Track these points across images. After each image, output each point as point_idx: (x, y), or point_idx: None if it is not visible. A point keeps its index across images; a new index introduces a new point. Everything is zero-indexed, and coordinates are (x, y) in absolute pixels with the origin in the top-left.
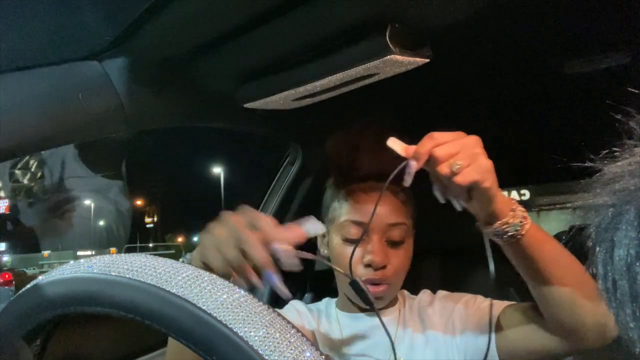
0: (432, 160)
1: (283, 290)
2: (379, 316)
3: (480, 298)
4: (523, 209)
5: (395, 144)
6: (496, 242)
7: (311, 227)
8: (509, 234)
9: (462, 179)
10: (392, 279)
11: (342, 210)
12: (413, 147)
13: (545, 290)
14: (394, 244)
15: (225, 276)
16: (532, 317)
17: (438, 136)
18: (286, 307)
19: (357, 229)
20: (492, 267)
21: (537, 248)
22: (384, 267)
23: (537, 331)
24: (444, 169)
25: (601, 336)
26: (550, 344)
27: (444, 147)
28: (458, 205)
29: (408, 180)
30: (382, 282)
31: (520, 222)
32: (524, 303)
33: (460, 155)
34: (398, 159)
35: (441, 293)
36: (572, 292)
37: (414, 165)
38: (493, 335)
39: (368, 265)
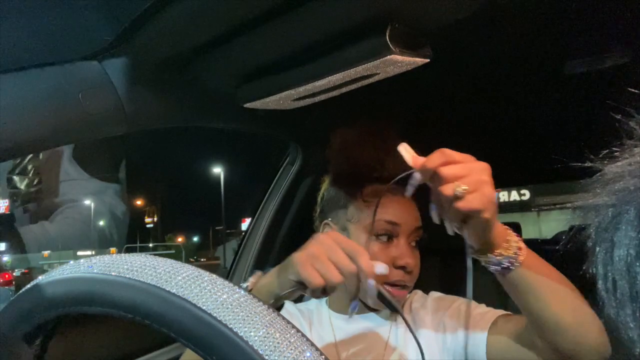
0: (437, 178)
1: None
2: (407, 323)
3: (473, 304)
4: (518, 239)
5: (405, 151)
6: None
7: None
8: (502, 265)
9: (463, 204)
10: (413, 281)
11: (370, 210)
12: (422, 159)
13: (539, 319)
14: (414, 246)
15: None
16: (525, 332)
17: (449, 154)
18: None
19: (389, 228)
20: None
21: (531, 279)
22: (411, 270)
23: (529, 347)
24: (447, 189)
25: (597, 356)
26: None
27: (453, 167)
28: (450, 229)
29: (410, 191)
30: (408, 285)
31: (515, 253)
32: (518, 316)
33: (466, 179)
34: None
35: (434, 294)
36: (567, 320)
37: (418, 178)
38: (484, 345)
39: (401, 267)
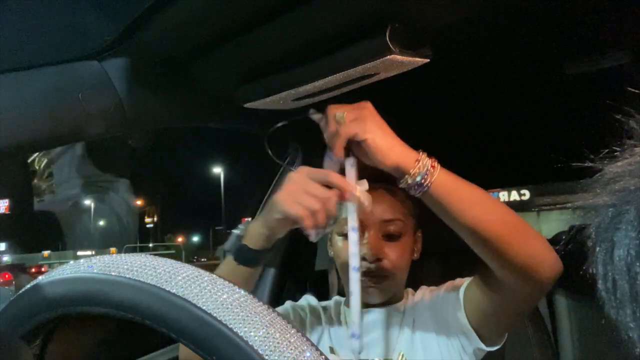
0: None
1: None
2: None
3: (456, 281)
4: (432, 160)
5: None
6: (412, 194)
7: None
8: (417, 184)
9: (343, 130)
10: (391, 271)
11: (341, 210)
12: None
13: (470, 234)
14: (390, 238)
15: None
16: (486, 276)
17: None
18: (301, 300)
19: None
20: None
21: (449, 194)
22: (379, 259)
23: (493, 287)
24: (330, 117)
25: (546, 269)
26: (507, 295)
27: (337, 108)
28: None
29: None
30: (379, 274)
31: (427, 171)
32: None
33: (349, 114)
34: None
35: (431, 287)
36: (497, 232)
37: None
38: (461, 303)
39: (363, 258)
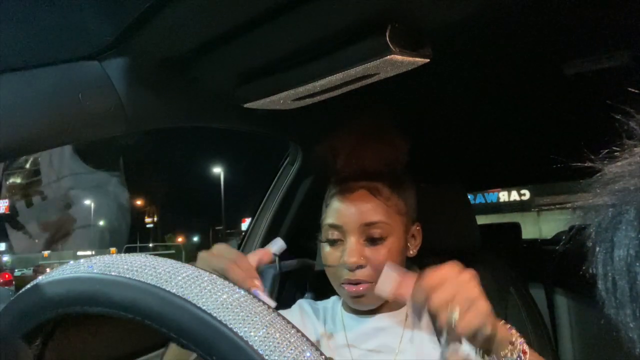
0: (430, 309)
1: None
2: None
3: None
4: (522, 341)
5: (388, 281)
6: None
7: (275, 247)
8: None
9: (462, 329)
10: (374, 277)
11: (326, 214)
12: (408, 292)
13: None
14: (373, 242)
15: None
16: None
17: (431, 281)
18: (293, 306)
19: (335, 232)
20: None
21: None
22: (360, 266)
23: None
24: (442, 322)
25: None
26: None
27: (440, 294)
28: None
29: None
30: (361, 281)
31: (519, 356)
32: None
33: (457, 299)
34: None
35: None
36: None
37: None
38: None
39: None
